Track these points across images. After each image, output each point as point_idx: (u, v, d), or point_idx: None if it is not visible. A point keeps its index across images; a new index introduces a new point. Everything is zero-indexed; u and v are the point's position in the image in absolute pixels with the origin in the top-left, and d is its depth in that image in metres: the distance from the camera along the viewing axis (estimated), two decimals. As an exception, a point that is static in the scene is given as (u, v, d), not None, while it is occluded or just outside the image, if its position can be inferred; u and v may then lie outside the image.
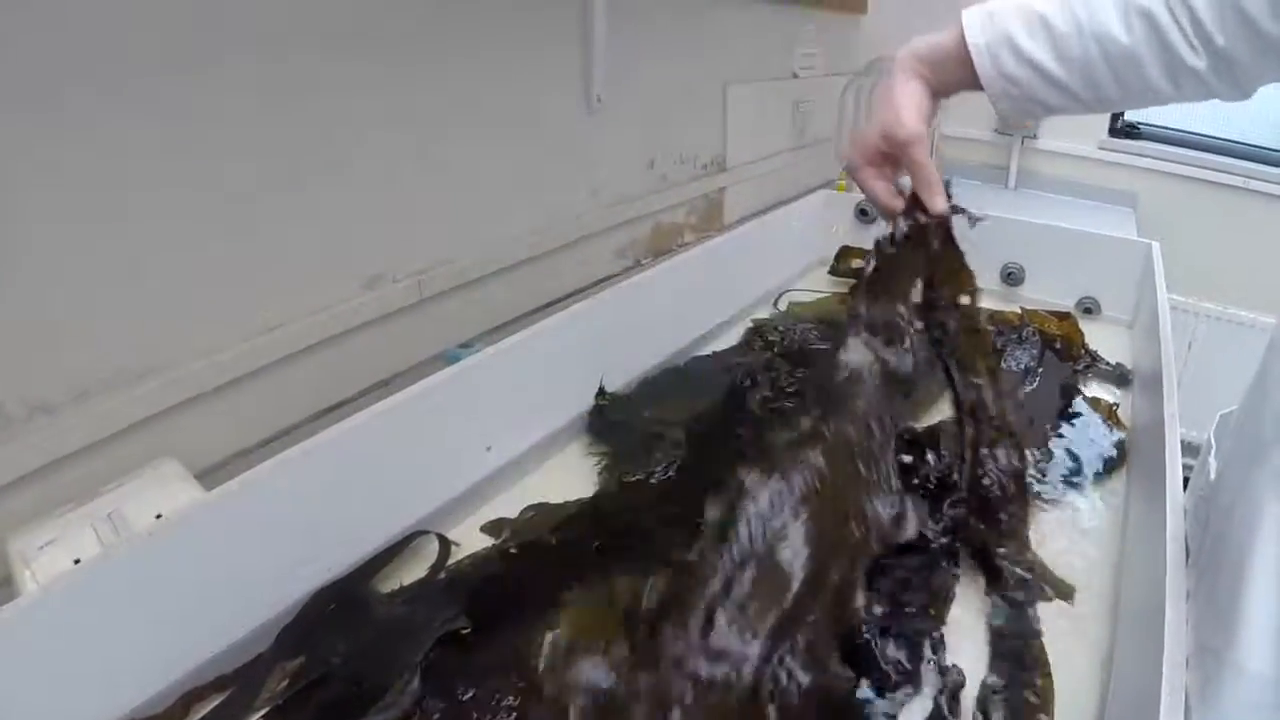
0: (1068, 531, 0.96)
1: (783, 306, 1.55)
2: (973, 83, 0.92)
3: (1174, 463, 0.85)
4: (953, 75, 0.93)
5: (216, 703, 0.70)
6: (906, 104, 0.91)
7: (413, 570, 0.85)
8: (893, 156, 0.95)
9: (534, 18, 1.36)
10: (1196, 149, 3.04)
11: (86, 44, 0.82)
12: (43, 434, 0.85)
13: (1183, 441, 0.94)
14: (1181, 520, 0.75)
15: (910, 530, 0.89)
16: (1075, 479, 1.05)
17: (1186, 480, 0.89)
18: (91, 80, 0.83)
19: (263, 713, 0.69)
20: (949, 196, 0.99)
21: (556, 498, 0.95)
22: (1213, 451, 1.03)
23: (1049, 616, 0.82)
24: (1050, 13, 0.89)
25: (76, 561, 0.74)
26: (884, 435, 0.94)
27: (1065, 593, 0.86)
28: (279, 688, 0.71)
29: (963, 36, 0.91)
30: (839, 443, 0.90)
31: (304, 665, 0.73)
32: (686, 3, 1.74)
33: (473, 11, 1.24)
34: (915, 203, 0.96)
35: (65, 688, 0.63)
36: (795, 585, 0.76)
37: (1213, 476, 0.96)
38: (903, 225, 0.97)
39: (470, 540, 0.90)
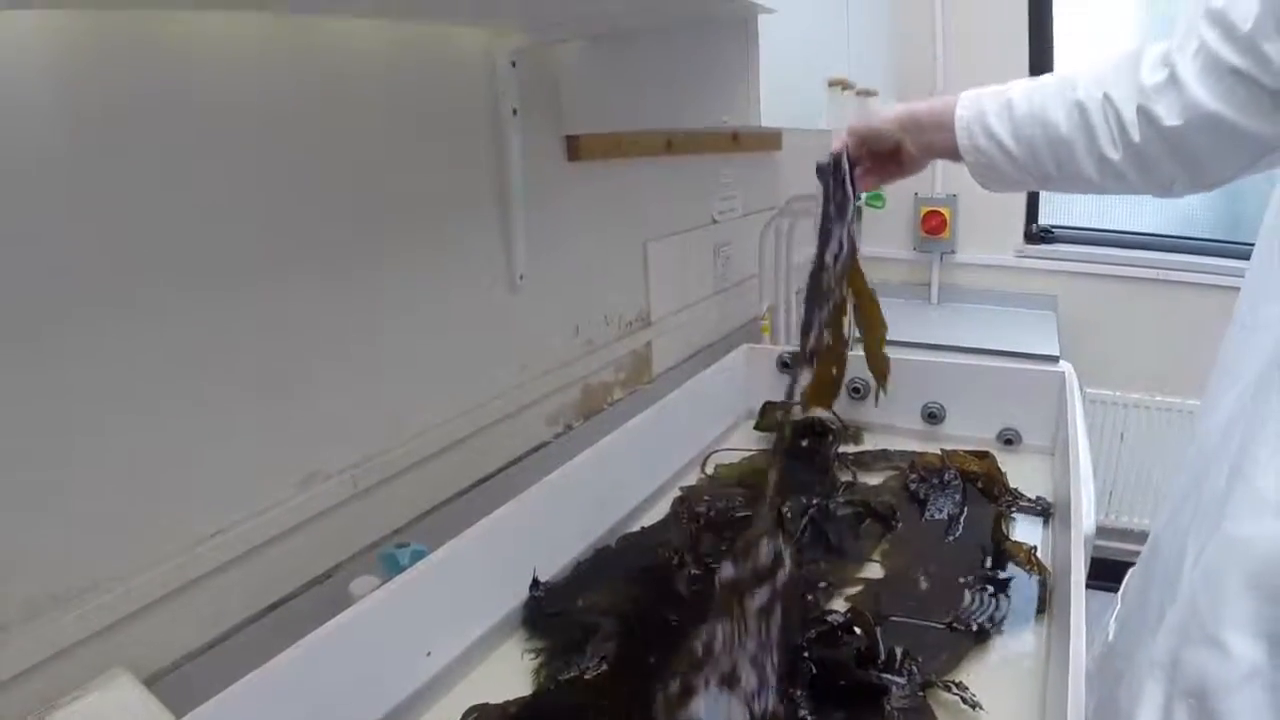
0: (1000, 679, 1.01)
1: (710, 470, 1.61)
2: (948, 148, 1.13)
3: (1078, 627, 0.88)
4: (934, 137, 1.15)
5: None
6: (888, 114, 1.17)
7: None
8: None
9: (455, 210, 1.44)
10: (1108, 246, 3.22)
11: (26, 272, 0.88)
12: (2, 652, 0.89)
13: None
14: (1082, 682, 0.79)
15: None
16: (1004, 627, 1.10)
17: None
18: (22, 308, 0.88)
19: None
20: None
21: (496, 697, 0.99)
22: (1114, 612, 1.07)
23: None
24: (1016, 100, 1.08)
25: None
26: None
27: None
28: None
29: (951, 113, 1.12)
30: None
31: None
32: (602, 171, 1.83)
33: (396, 210, 1.31)
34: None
35: None
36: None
37: (1110, 638, 1.01)
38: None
39: None
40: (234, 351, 1.09)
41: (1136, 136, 0.97)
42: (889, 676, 0.98)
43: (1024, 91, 1.08)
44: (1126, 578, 1.14)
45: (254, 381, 1.12)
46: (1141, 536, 3.14)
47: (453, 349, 1.46)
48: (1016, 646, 1.07)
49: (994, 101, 1.09)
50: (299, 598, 1.20)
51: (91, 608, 0.96)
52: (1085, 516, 1.13)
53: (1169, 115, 0.93)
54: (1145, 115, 0.95)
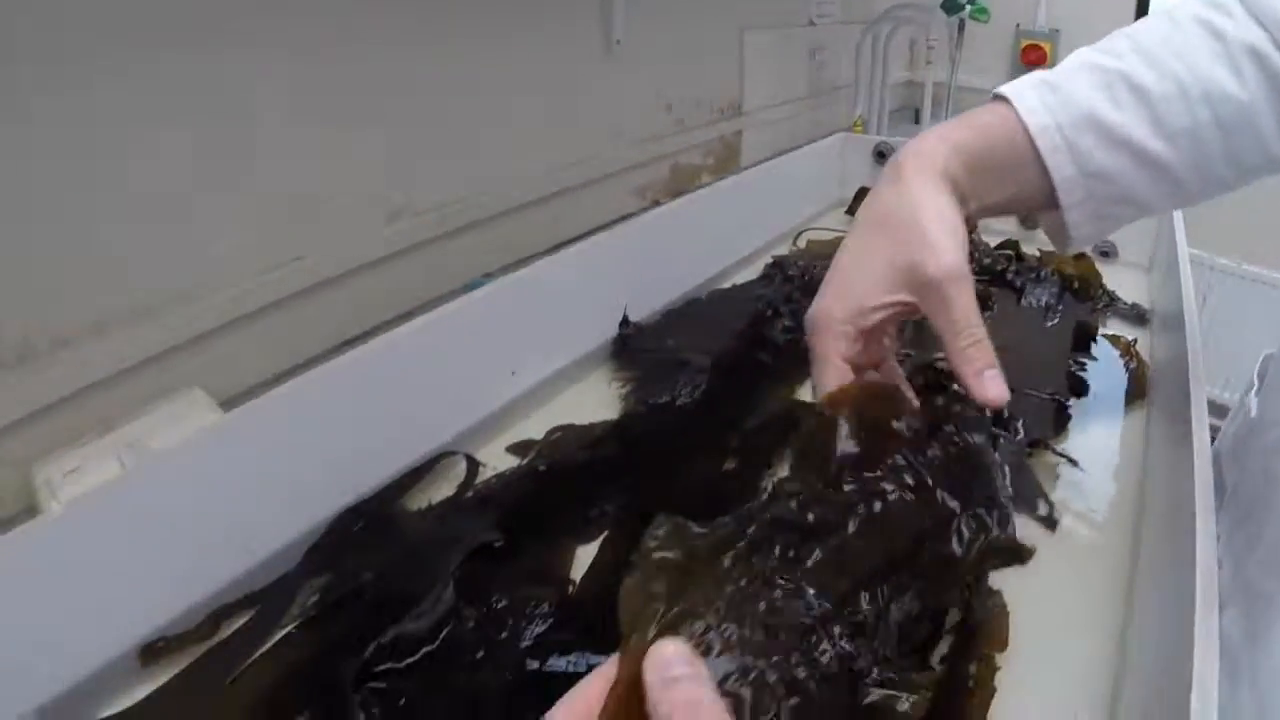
0: (1086, 465, 0.92)
1: (802, 244, 1.54)
2: (1031, 193, 0.67)
3: (1198, 394, 0.79)
4: (1001, 182, 0.66)
5: (245, 619, 0.69)
6: (937, 223, 0.60)
7: (440, 490, 0.84)
8: (902, 312, 0.63)
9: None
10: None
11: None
12: (65, 365, 0.84)
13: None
14: (1209, 455, 0.70)
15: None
16: (1095, 412, 1.02)
17: (1214, 429, 0.83)
18: (100, 12, 0.81)
19: (292, 626, 0.68)
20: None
21: (582, 420, 0.94)
22: (1254, 390, 0.95)
23: (1061, 563, 0.78)
24: (1135, 70, 0.65)
25: (102, 490, 0.73)
26: None
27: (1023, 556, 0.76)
28: (308, 603, 0.70)
29: (1015, 122, 0.65)
30: None
31: (332, 582, 0.72)
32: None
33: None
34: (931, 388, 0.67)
35: (92, 607, 0.63)
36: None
37: (1254, 414, 0.89)
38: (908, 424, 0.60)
39: (497, 461, 0.88)
40: (326, 76, 1.03)
41: None
42: (995, 430, 0.90)
43: (1142, 54, 0.65)
44: (1261, 360, 0.98)
45: (348, 113, 1.06)
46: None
47: (545, 102, 1.38)
48: (1115, 424, 1.00)
49: (1092, 84, 0.65)
50: (379, 333, 1.14)
51: (165, 323, 0.91)
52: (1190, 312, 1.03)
53: None
54: None
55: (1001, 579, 0.71)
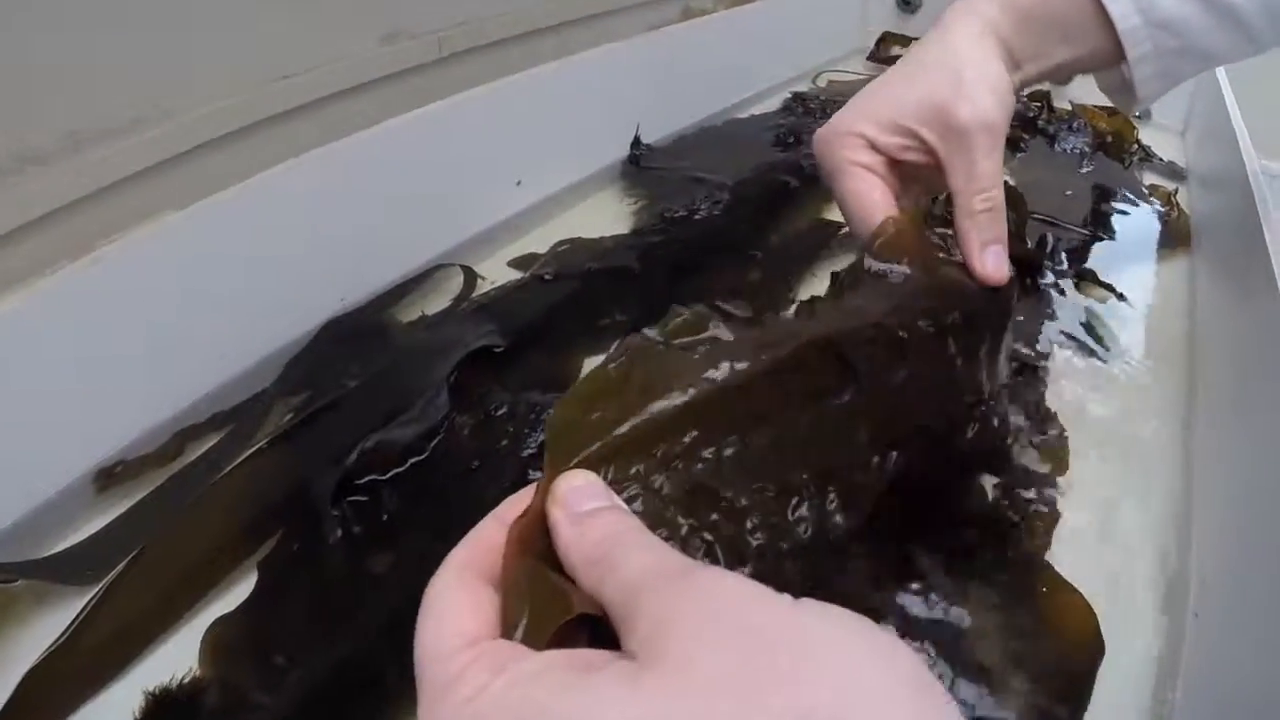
0: (1127, 311, 0.84)
1: (821, 83, 1.44)
2: (1091, 50, 0.58)
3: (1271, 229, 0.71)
4: (1058, 42, 0.58)
5: (213, 441, 0.61)
6: (979, 78, 0.54)
7: (435, 303, 0.76)
8: (921, 155, 0.56)
9: None
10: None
11: None
12: (35, 185, 0.73)
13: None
14: None
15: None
16: (1129, 256, 0.95)
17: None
18: None
19: (264, 442, 0.59)
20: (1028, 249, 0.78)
21: (591, 235, 0.86)
22: None
23: (1115, 388, 0.72)
24: None
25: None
26: None
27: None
28: (283, 422, 0.61)
29: None
30: None
31: (311, 399, 0.63)
32: None
33: None
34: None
35: (47, 422, 0.55)
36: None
37: None
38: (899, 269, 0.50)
39: (498, 275, 0.80)
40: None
41: None
42: (1045, 261, 0.86)
43: None
44: None
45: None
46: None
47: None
48: (1149, 267, 0.93)
49: None
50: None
51: (142, 141, 0.80)
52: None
53: None
54: None
55: (1058, 406, 0.66)
